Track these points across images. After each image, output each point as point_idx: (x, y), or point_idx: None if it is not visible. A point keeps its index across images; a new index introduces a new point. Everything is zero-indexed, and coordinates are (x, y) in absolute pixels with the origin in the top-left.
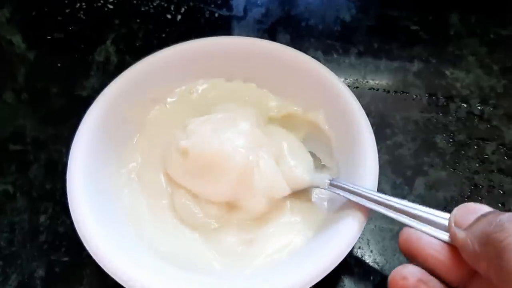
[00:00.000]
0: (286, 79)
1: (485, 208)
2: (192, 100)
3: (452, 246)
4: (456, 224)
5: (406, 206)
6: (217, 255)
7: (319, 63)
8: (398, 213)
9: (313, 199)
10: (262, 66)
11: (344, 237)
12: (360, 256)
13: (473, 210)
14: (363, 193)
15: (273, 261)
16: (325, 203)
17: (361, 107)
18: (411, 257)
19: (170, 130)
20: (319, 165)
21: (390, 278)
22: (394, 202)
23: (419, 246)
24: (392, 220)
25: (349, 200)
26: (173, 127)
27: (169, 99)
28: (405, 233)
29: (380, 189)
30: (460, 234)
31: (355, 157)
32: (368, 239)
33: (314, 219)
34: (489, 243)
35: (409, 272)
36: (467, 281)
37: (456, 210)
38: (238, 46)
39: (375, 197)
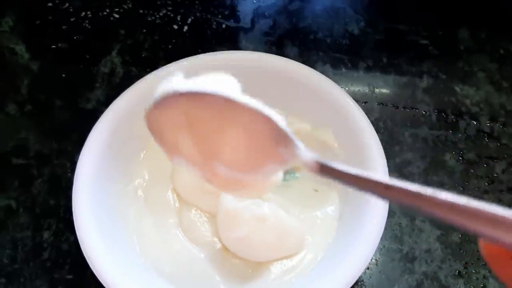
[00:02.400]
0: (294, 95)
1: None
2: None
3: None
4: None
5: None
6: (224, 278)
7: (328, 79)
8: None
9: (322, 216)
10: (270, 82)
11: (355, 260)
12: (368, 277)
13: None
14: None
15: (282, 283)
16: (335, 222)
17: (371, 125)
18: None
19: None
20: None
21: None
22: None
23: None
24: (401, 240)
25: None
26: None
27: None
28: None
29: (389, 209)
30: None
31: None
32: (376, 259)
33: (324, 239)
34: None
35: None
36: None
37: None
38: (246, 61)
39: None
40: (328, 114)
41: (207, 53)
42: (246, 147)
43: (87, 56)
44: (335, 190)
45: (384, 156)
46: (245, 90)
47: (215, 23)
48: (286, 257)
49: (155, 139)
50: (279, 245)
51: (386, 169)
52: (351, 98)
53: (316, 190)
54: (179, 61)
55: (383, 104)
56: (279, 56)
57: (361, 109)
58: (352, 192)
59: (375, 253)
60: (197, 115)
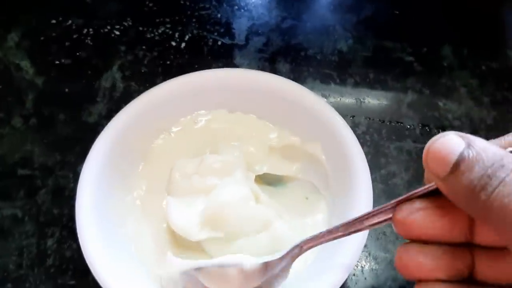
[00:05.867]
0: (285, 112)
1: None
2: (196, 130)
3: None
4: None
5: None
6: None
7: (317, 96)
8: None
9: (312, 223)
10: (263, 98)
11: (341, 266)
12: (354, 283)
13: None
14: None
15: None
16: (324, 230)
17: (357, 139)
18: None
19: (174, 158)
20: (316, 191)
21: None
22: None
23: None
24: (387, 248)
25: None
26: (177, 155)
27: (173, 128)
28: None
29: None
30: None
31: (350, 187)
32: (362, 266)
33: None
34: None
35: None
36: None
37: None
38: (240, 79)
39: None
40: (317, 129)
41: (203, 71)
42: None
43: (89, 72)
44: (323, 199)
45: (368, 169)
46: (240, 106)
47: (211, 40)
48: None
49: None
50: (271, 250)
51: (370, 183)
52: (339, 114)
53: (307, 198)
54: (176, 78)
55: (370, 118)
56: (272, 74)
57: (347, 125)
58: (338, 202)
59: (361, 260)
60: None
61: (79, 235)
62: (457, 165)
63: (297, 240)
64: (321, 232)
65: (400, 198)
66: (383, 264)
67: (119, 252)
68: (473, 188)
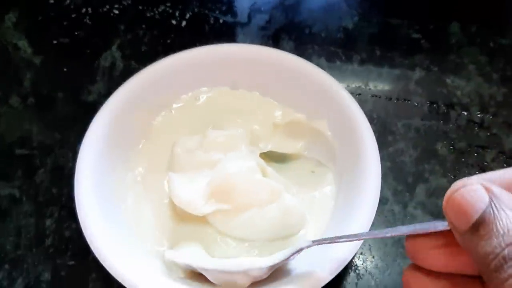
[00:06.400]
0: (290, 87)
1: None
2: (198, 106)
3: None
4: None
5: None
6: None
7: (323, 71)
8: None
9: (320, 196)
10: (266, 74)
11: (347, 243)
12: (362, 262)
13: None
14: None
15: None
16: (332, 202)
17: (364, 115)
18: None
19: (175, 135)
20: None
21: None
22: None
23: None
24: (394, 226)
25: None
26: (178, 132)
27: (174, 105)
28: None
29: (382, 196)
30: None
31: (358, 165)
32: (370, 245)
33: (322, 218)
34: None
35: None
36: None
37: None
38: (242, 53)
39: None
40: (323, 105)
41: (205, 46)
42: None
43: (88, 51)
44: (330, 172)
45: (377, 147)
46: (243, 83)
47: (212, 18)
48: (287, 236)
49: None
50: (282, 223)
51: (379, 160)
52: (345, 90)
53: (313, 172)
54: (176, 53)
55: (376, 96)
56: (276, 49)
57: (354, 100)
58: (346, 175)
59: (369, 239)
60: None
61: (78, 214)
62: (477, 227)
63: (306, 212)
64: (325, 238)
65: (416, 232)
66: (390, 242)
67: (119, 230)
68: (488, 263)
